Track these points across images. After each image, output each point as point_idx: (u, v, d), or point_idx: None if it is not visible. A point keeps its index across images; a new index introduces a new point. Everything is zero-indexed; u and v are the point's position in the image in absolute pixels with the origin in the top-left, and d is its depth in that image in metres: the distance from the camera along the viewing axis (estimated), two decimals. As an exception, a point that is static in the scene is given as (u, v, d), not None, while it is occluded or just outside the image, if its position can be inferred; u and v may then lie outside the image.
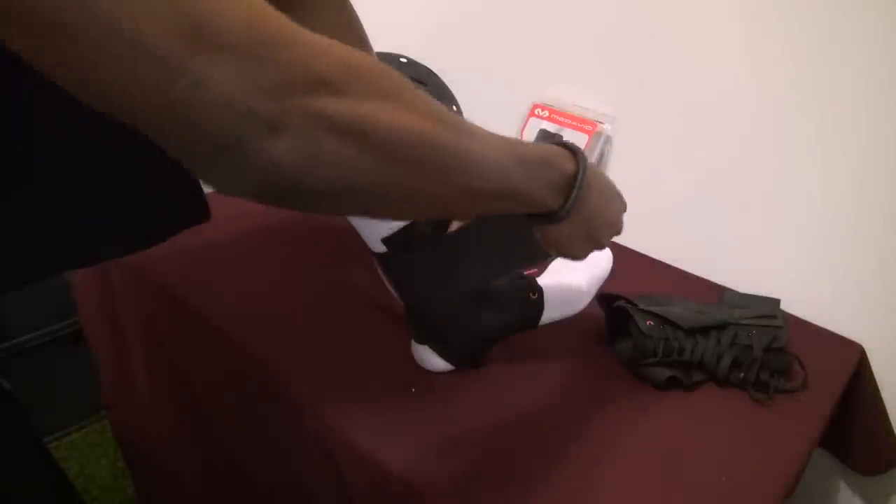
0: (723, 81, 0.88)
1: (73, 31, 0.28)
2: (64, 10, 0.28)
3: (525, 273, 0.73)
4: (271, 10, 0.33)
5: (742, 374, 0.74)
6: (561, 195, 0.49)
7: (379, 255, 0.67)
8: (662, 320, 0.74)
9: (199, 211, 0.62)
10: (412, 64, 1.06)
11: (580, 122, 1.00)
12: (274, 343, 0.75)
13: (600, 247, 0.57)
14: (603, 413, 0.70)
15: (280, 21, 0.33)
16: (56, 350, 1.44)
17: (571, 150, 0.50)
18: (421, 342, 0.72)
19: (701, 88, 0.90)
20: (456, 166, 0.40)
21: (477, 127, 0.43)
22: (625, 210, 0.59)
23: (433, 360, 0.72)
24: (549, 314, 0.71)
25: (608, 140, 1.01)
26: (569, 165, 0.49)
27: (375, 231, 0.65)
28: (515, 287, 0.70)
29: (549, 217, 0.50)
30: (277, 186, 0.34)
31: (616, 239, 1.04)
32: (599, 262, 0.73)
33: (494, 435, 0.66)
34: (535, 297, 0.70)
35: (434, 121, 0.38)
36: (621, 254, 1.04)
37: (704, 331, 0.75)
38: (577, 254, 0.56)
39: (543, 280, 0.72)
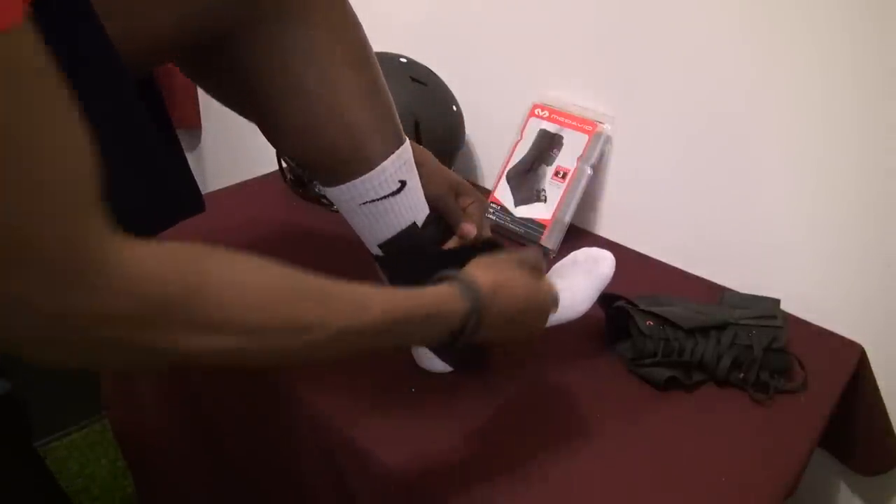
0: (723, 82, 0.88)
1: None
2: None
3: None
4: (95, 234, 0.32)
5: (742, 375, 0.74)
6: (448, 336, 0.50)
7: (378, 258, 0.67)
8: (662, 320, 0.74)
9: (192, 201, 0.61)
10: (412, 64, 1.06)
11: (580, 122, 1.00)
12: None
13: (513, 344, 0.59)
14: (603, 413, 0.70)
15: (99, 247, 0.32)
16: (56, 350, 1.44)
17: (466, 290, 0.50)
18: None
19: (701, 89, 0.90)
20: (297, 362, 0.42)
21: (347, 296, 0.44)
22: (547, 312, 0.60)
23: (433, 362, 0.72)
24: (550, 318, 0.70)
25: (608, 140, 1.01)
26: (458, 308, 0.49)
27: (373, 236, 0.65)
28: None
29: (447, 344, 0.51)
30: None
31: (616, 239, 1.06)
32: (601, 268, 0.72)
33: (494, 435, 0.66)
34: None
35: (259, 333, 0.38)
36: (621, 254, 1.04)
37: (704, 331, 0.75)
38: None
39: None
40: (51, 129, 0.30)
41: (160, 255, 0.35)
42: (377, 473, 0.62)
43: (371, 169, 0.61)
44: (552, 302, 0.60)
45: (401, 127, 0.64)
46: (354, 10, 0.61)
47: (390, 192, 0.62)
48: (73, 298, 0.31)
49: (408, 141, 0.64)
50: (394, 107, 0.63)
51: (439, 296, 0.49)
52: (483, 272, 0.53)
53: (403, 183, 0.63)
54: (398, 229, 0.64)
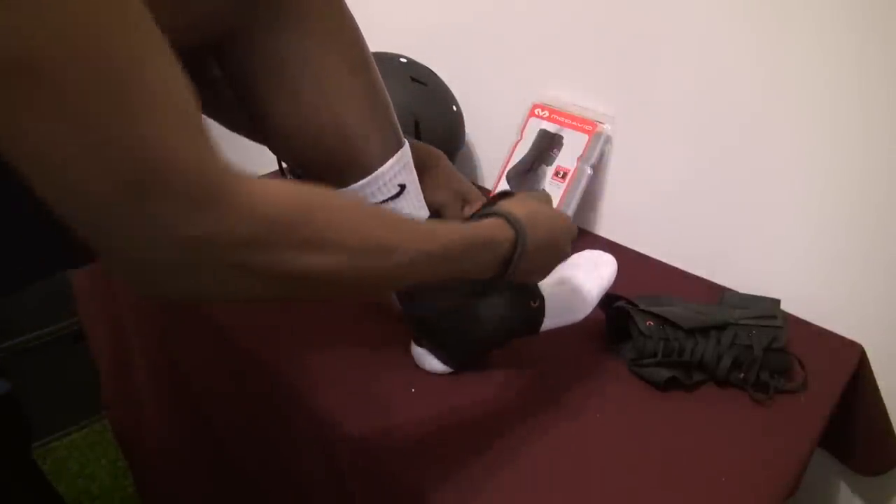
0: (723, 82, 0.88)
1: (37, 173, 0.30)
2: (23, 154, 0.30)
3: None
4: (218, 162, 0.35)
5: (742, 375, 0.74)
6: (500, 265, 0.54)
7: None
8: (662, 320, 0.74)
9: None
10: (412, 64, 1.06)
11: (580, 122, 1.00)
12: (274, 342, 0.75)
13: (544, 276, 0.63)
14: (603, 413, 0.70)
15: (223, 173, 0.35)
16: (56, 350, 1.44)
17: (510, 220, 0.54)
18: (420, 344, 0.72)
19: (701, 88, 0.90)
20: (381, 285, 0.46)
21: (414, 225, 0.48)
22: (572, 237, 0.64)
23: (432, 363, 0.72)
24: (550, 322, 0.70)
25: (608, 140, 1.01)
26: (507, 236, 0.54)
27: None
28: (517, 294, 0.70)
29: (489, 282, 0.55)
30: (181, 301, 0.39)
31: (616, 239, 1.06)
32: (603, 272, 0.72)
33: (494, 435, 0.66)
34: (536, 305, 0.70)
35: (358, 252, 0.41)
36: (621, 254, 1.04)
37: (704, 331, 0.75)
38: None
39: (546, 288, 0.71)
40: (166, 57, 0.33)
41: (275, 184, 0.37)
42: (377, 473, 0.62)
43: (369, 174, 0.61)
44: (573, 228, 0.64)
45: (399, 130, 0.64)
46: (355, 10, 0.61)
47: (389, 197, 0.62)
48: (206, 219, 0.33)
49: (407, 144, 0.64)
50: (392, 109, 0.63)
51: (490, 227, 0.53)
52: (515, 205, 0.57)
53: (403, 186, 0.63)
54: None
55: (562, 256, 0.63)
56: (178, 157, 0.32)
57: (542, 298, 0.70)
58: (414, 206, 0.64)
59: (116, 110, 0.30)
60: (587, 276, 0.73)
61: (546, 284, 0.72)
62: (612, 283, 0.72)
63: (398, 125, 0.64)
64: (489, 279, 0.55)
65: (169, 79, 0.33)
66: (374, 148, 0.61)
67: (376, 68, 0.62)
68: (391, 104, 0.63)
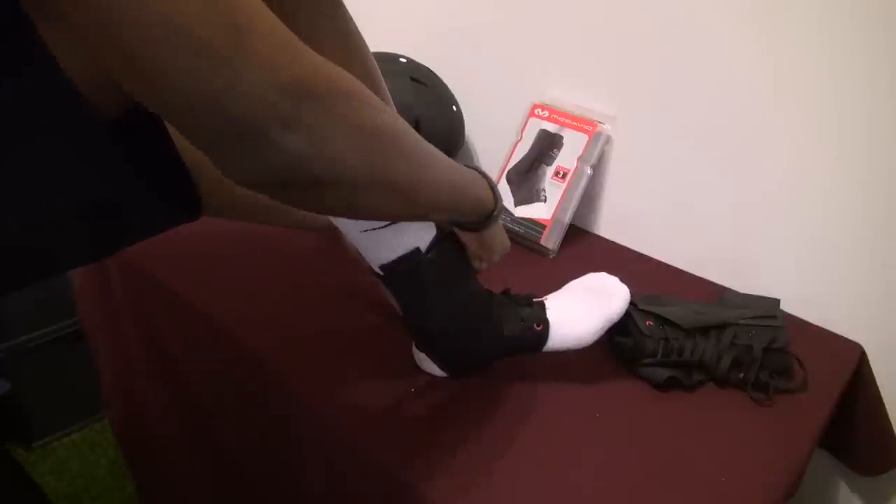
0: (723, 81, 0.88)
1: (132, 22, 0.32)
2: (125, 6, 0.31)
3: (534, 300, 0.70)
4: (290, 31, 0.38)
5: (742, 375, 0.74)
6: (484, 210, 0.61)
7: (379, 276, 0.66)
8: (662, 320, 0.74)
9: (190, 210, 0.61)
10: (412, 64, 1.06)
11: (580, 122, 1.00)
12: (274, 342, 0.75)
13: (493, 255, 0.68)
14: (603, 413, 0.70)
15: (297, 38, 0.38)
16: (56, 350, 1.45)
17: (485, 177, 0.62)
18: (421, 349, 0.72)
19: (701, 88, 0.90)
20: (429, 162, 0.49)
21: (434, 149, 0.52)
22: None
23: (432, 367, 0.72)
24: (553, 345, 0.69)
25: (608, 140, 1.01)
26: (489, 188, 0.61)
27: (374, 258, 0.63)
28: (521, 315, 0.68)
29: (477, 224, 0.62)
30: (282, 174, 0.38)
31: (616, 239, 1.06)
32: (614, 305, 0.71)
33: (494, 435, 0.66)
34: (540, 328, 0.68)
35: (406, 129, 0.46)
36: (621, 254, 1.04)
37: (704, 331, 0.75)
38: (491, 256, 0.68)
39: (552, 307, 0.70)
40: None
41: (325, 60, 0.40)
42: (377, 473, 0.62)
43: None
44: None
45: None
46: (355, 10, 0.61)
47: (390, 222, 0.61)
48: (286, 77, 0.35)
49: None
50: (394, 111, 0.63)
51: (476, 175, 0.60)
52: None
53: None
54: (399, 254, 0.62)
55: (505, 239, 0.69)
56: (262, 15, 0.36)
57: (546, 323, 0.69)
58: (417, 228, 0.63)
59: None
60: (597, 306, 0.71)
61: (552, 301, 0.72)
62: (621, 315, 0.71)
63: None
64: (486, 216, 0.61)
65: None
66: None
67: (385, 88, 0.63)
68: (394, 108, 0.63)
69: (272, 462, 0.78)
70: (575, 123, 1.01)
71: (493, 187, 0.62)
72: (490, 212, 0.61)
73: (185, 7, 0.32)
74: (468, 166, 0.60)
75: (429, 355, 0.71)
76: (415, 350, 0.73)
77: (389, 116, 0.44)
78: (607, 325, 0.70)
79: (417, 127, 1.00)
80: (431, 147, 0.50)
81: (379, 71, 0.62)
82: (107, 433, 1.54)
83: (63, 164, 0.47)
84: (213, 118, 0.35)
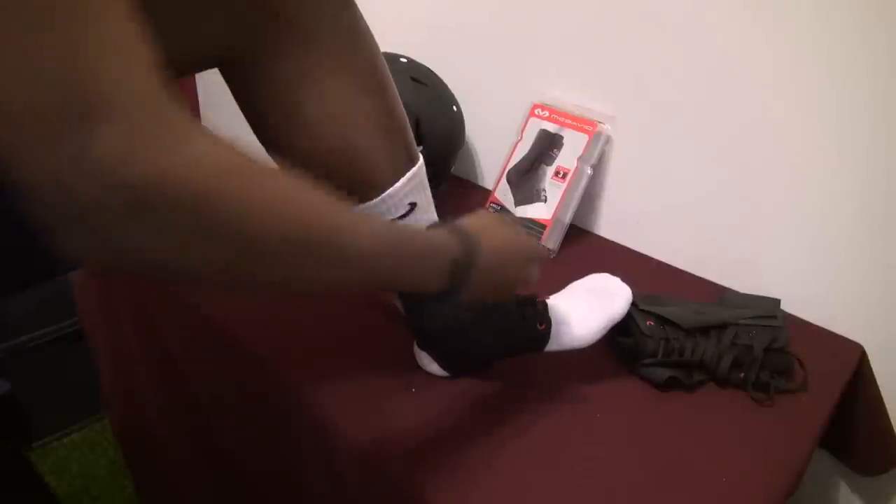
0: (723, 81, 0.88)
1: None
2: None
3: (537, 301, 0.70)
4: (165, 98, 0.32)
5: (742, 375, 0.74)
6: (447, 278, 0.51)
7: None
8: (662, 320, 0.74)
9: None
10: (413, 64, 1.06)
11: (580, 122, 1.00)
12: (274, 342, 0.75)
13: (504, 297, 0.61)
14: (603, 413, 0.70)
15: (171, 112, 0.32)
16: (56, 350, 1.44)
17: (461, 233, 0.52)
18: (423, 348, 0.72)
19: (701, 88, 0.90)
20: (323, 263, 0.41)
21: (364, 221, 0.44)
22: (534, 257, 0.61)
23: (433, 366, 0.72)
24: (555, 345, 0.70)
25: (608, 140, 1.01)
26: (455, 251, 0.51)
27: None
28: (524, 314, 0.68)
29: (440, 296, 0.52)
30: (131, 266, 0.35)
31: (616, 239, 1.06)
32: (616, 305, 0.70)
33: (494, 435, 0.66)
34: (543, 328, 0.68)
35: (304, 223, 0.39)
36: (621, 254, 1.04)
37: (704, 331, 0.75)
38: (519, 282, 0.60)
39: (555, 307, 0.70)
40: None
41: (225, 141, 0.36)
42: (377, 474, 0.62)
43: (378, 194, 0.60)
44: (535, 250, 0.61)
45: (414, 147, 0.62)
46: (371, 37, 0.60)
47: (399, 215, 0.61)
48: (146, 154, 0.31)
49: (421, 161, 0.63)
50: (408, 128, 0.62)
51: (439, 236, 0.51)
52: (471, 221, 0.55)
53: (413, 205, 0.61)
54: None
55: (519, 279, 0.60)
56: (117, 80, 0.30)
57: (549, 322, 0.69)
58: (424, 222, 0.64)
59: (46, 21, 0.28)
60: (599, 306, 0.71)
61: (555, 300, 0.72)
62: (623, 315, 0.71)
63: (413, 143, 0.62)
64: (436, 294, 0.52)
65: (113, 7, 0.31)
66: (385, 170, 0.60)
67: (393, 87, 0.61)
68: (407, 123, 0.62)
69: (272, 462, 0.78)
70: (575, 123, 1.01)
71: (466, 243, 0.52)
72: (453, 271, 0.51)
73: (23, 74, 0.28)
74: (442, 225, 0.54)
75: (430, 354, 0.71)
76: (416, 349, 0.73)
77: (284, 216, 0.38)
78: (609, 325, 0.70)
79: (417, 127, 1.00)
80: (353, 236, 0.42)
81: (387, 70, 0.61)
82: (107, 433, 1.54)
83: None
84: (51, 196, 0.31)
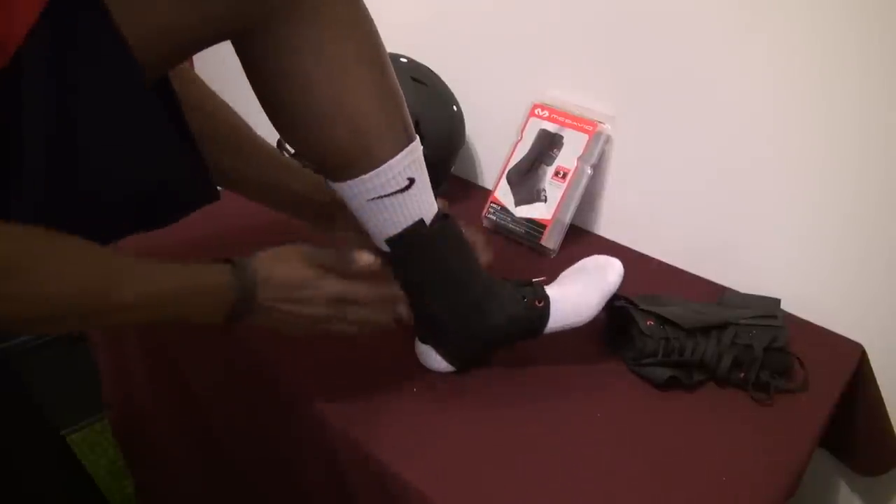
0: (722, 81, 0.88)
1: None
2: None
3: (533, 280, 0.72)
4: None
5: (742, 374, 0.74)
6: (229, 311, 0.58)
7: (385, 255, 0.67)
8: (662, 320, 0.74)
9: (206, 192, 0.63)
10: (413, 64, 1.06)
11: (580, 122, 1.00)
12: (274, 342, 0.75)
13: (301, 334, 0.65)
14: (603, 413, 0.70)
15: None
16: (56, 350, 1.45)
17: (238, 268, 0.59)
18: (424, 342, 0.72)
19: (701, 88, 0.90)
20: (103, 323, 0.54)
21: (134, 269, 0.53)
22: (336, 296, 0.64)
23: (435, 360, 0.72)
24: (554, 324, 0.70)
25: (608, 140, 1.01)
26: (232, 290, 0.58)
27: (380, 232, 0.65)
28: (522, 293, 0.70)
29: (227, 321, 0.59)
30: None
31: (616, 239, 1.06)
32: (608, 276, 0.72)
33: (494, 434, 0.66)
34: (541, 304, 0.70)
35: (80, 288, 0.48)
36: (621, 254, 1.04)
37: (705, 331, 0.75)
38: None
39: (551, 290, 0.71)
40: None
41: None
42: (377, 473, 0.62)
43: (377, 166, 0.61)
44: (338, 298, 0.64)
45: (411, 126, 0.64)
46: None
47: (398, 189, 0.62)
48: None
49: (418, 140, 0.64)
50: (405, 103, 0.64)
51: (213, 273, 0.58)
52: (265, 258, 0.61)
53: (412, 180, 0.63)
54: (405, 225, 0.64)
55: (311, 324, 0.64)
56: None
57: (547, 299, 0.70)
58: (422, 200, 0.65)
59: None
60: (592, 281, 0.72)
61: (551, 287, 0.72)
62: (618, 286, 0.72)
63: (410, 122, 0.64)
64: (223, 323, 0.58)
65: None
66: (385, 141, 0.61)
67: (391, 66, 0.63)
68: (404, 100, 0.64)
69: (271, 462, 0.78)
70: (575, 123, 1.01)
71: (241, 279, 0.58)
72: (230, 311, 0.58)
73: None
74: (224, 260, 0.59)
75: (432, 342, 0.71)
76: (418, 345, 0.73)
77: (51, 292, 0.47)
78: (605, 298, 0.72)
79: (417, 127, 1.00)
80: (122, 289, 0.51)
81: (385, 50, 0.62)
82: (107, 433, 1.54)
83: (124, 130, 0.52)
84: None
